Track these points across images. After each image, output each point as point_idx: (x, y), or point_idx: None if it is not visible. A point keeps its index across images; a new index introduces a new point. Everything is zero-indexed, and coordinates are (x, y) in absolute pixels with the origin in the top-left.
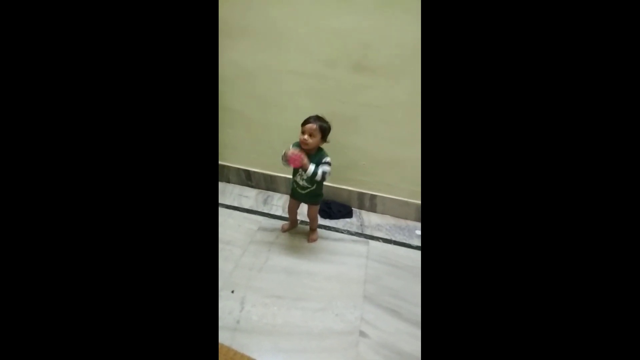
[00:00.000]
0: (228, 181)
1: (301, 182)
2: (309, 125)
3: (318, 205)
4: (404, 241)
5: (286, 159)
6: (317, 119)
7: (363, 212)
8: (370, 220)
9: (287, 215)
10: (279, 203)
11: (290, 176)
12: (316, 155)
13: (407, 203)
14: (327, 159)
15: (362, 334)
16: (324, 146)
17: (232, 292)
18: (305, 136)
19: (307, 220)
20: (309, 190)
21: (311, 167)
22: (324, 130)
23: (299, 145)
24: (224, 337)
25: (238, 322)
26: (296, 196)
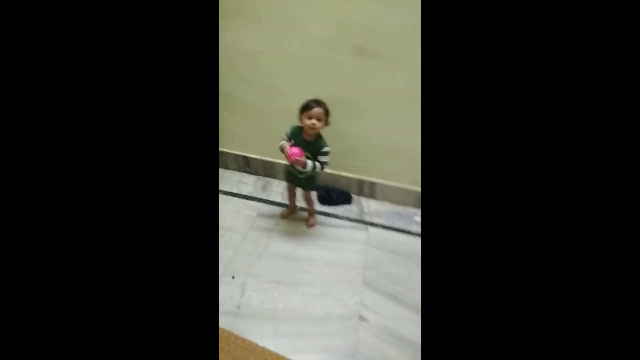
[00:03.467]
0: (226, 167)
1: (297, 166)
2: (317, 110)
3: (312, 190)
4: (403, 228)
5: (286, 156)
6: (318, 102)
7: (362, 198)
8: (370, 206)
9: (286, 202)
10: (278, 189)
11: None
12: (316, 142)
13: (406, 190)
14: (326, 149)
15: (362, 318)
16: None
17: (233, 277)
18: (314, 121)
19: (305, 206)
20: (304, 175)
21: (309, 164)
22: (327, 113)
23: (298, 129)
24: (225, 322)
25: (239, 307)
26: (293, 180)
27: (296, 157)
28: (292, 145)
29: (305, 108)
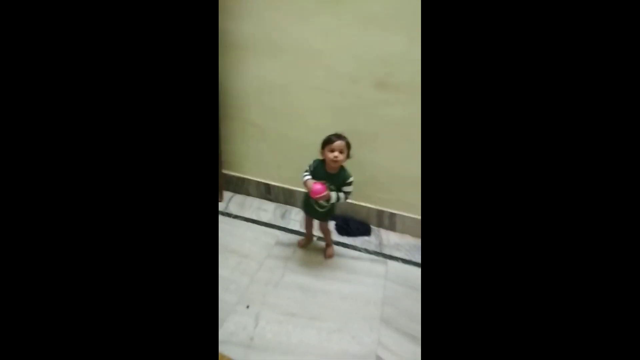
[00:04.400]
0: (248, 194)
1: (316, 205)
2: (339, 143)
3: (328, 221)
4: None
5: (308, 191)
6: (339, 136)
7: (382, 230)
8: (389, 239)
9: (304, 230)
10: (297, 218)
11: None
12: (340, 174)
13: None
14: (350, 179)
15: (379, 358)
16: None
17: (247, 307)
18: (336, 153)
19: (322, 235)
20: (325, 209)
21: (333, 196)
22: (349, 146)
23: (320, 163)
24: (237, 354)
25: (252, 338)
26: (310, 212)
27: (320, 194)
28: (314, 182)
29: (327, 142)
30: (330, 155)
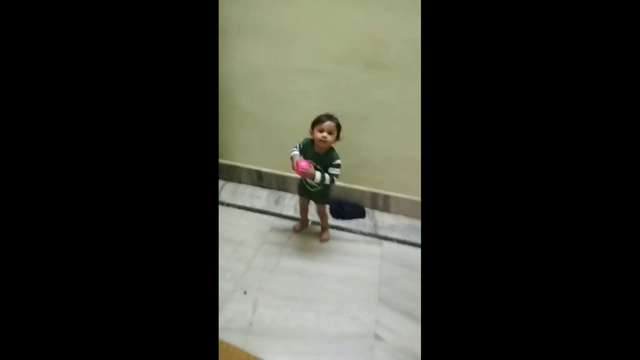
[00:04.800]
0: (240, 182)
1: (309, 180)
2: (328, 123)
3: (326, 204)
4: (419, 242)
5: (293, 167)
6: (329, 117)
7: (376, 212)
8: (384, 220)
9: (298, 216)
10: (291, 203)
11: None
12: (327, 155)
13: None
14: (337, 161)
15: (378, 337)
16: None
17: (245, 293)
18: (325, 134)
19: (318, 220)
20: (317, 189)
21: (318, 176)
22: (339, 127)
23: (309, 142)
24: (237, 340)
25: (251, 324)
26: (305, 193)
27: (304, 169)
28: (300, 159)
29: (317, 122)
30: (319, 135)
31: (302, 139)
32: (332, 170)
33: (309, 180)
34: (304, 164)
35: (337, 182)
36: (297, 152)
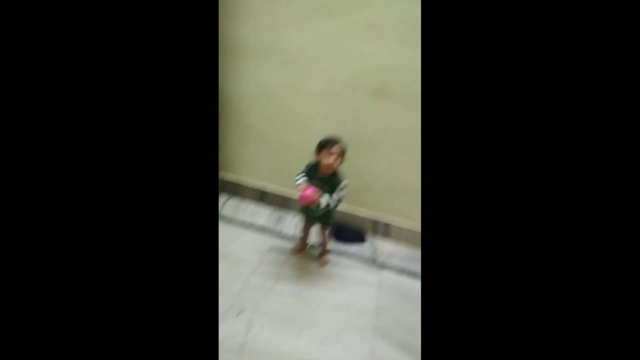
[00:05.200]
0: (243, 198)
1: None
2: (336, 147)
3: (329, 226)
4: (418, 272)
5: (299, 196)
6: (335, 140)
7: (376, 239)
8: (384, 248)
9: (299, 235)
10: (292, 223)
11: None
12: (333, 178)
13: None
14: (342, 184)
15: None
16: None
17: (238, 315)
18: (331, 158)
19: (317, 244)
20: (321, 211)
21: (323, 202)
22: (344, 151)
23: (313, 166)
24: None
25: (243, 345)
26: (310, 215)
27: (309, 199)
28: (306, 187)
29: (324, 145)
30: (329, 160)
31: (305, 164)
32: (338, 195)
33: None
34: (309, 192)
35: (339, 207)
36: (302, 180)
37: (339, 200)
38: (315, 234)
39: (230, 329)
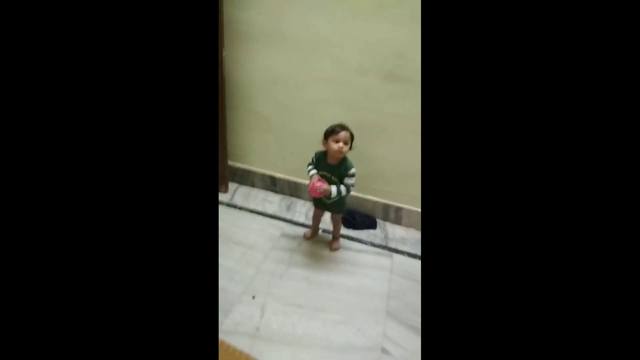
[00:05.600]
0: (253, 185)
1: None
2: (342, 134)
3: (342, 214)
4: None
5: (310, 188)
6: (343, 127)
7: (388, 224)
8: (395, 233)
9: (309, 223)
10: (302, 210)
11: None
12: (342, 165)
13: None
14: (352, 170)
15: (384, 351)
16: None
17: (253, 298)
18: (341, 144)
19: (329, 229)
20: (332, 200)
21: (334, 191)
22: (352, 137)
23: (322, 154)
24: (244, 344)
25: (258, 329)
26: (319, 205)
27: (318, 193)
28: (317, 179)
29: (332, 132)
30: (335, 147)
31: (314, 153)
32: (348, 181)
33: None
34: (319, 184)
35: (351, 192)
36: (314, 171)
37: (349, 188)
38: (327, 221)
39: (244, 313)
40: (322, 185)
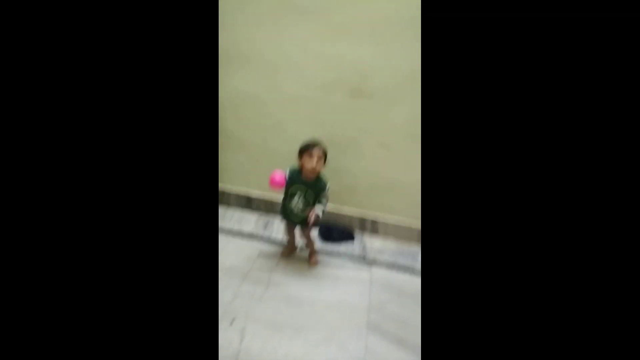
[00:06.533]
0: (228, 205)
1: (295, 208)
2: (316, 149)
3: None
4: (407, 266)
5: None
6: (316, 143)
7: (365, 236)
8: (373, 244)
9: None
10: (280, 227)
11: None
12: (317, 181)
13: (408, 226)
14: (328, 186)
15: None
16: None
17: (232, 322)
18: (314, 161)
19: (305, 246)
20: (302, 215)
21: (319, 212)
22: (326, 153)
23: (297, 170)
24: None
25: (238, 354)
26: (290, 218)
27: (277, 184)
28: (275, 172)
29: (305, 149)
30: (311, 165)
31: (288, 170)
32: (323, 196)
33: (294, 209)
34: (278, 177)
35: (325, 207)
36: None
37: (326, 203)
38: (299, 236)
39: (223, 339)
40: (282, 180)
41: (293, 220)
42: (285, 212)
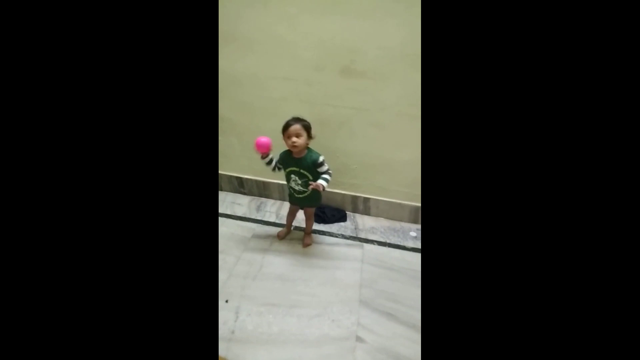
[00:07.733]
0: (220, 189)
1: (297, 187)
2: (292, 128)
3: (316, 207)
4: (399, 243)
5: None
6: (296, 120)
7: (357, 215)
8: (365, 223)
9: (281, 222)
10: (272, 209)
11: (284, 182)
12: (308, 156)
13: (400, 205)
14: (321, 159)
15: (359, 339)
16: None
17: (227, 301)
18: (293, 138)
19: (301, 226)
20: (305, 194)
21: (324, 183)
22: (308, 127)
23: (286, 152)
24: (219, 348)
25: (233, 332)
26: (294, 201)
27: (260, 149)
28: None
29: (284, 129)
30: (289, 142)
31: (279, 154)
32: (323, 168)
33: (294, 187)
34: (264, 139)
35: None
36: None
37: (330, 173)
38: (299, 218)
39: (219, 317)
40: (268, 143)
41: (299, 201)
42: (292, 196)
